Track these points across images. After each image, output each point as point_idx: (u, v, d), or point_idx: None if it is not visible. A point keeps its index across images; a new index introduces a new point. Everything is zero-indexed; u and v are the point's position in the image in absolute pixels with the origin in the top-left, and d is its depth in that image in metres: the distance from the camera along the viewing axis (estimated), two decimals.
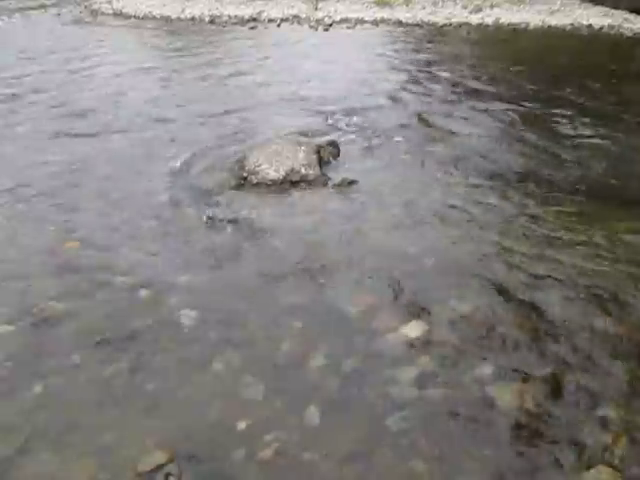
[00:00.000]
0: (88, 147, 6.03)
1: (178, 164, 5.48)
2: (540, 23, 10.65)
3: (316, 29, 11.28)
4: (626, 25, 10.20)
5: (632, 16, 10.40)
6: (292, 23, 11.75)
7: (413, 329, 3.33)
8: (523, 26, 10.62)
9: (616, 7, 10.83)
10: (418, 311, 3.47)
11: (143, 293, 3.70)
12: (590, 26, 10.43)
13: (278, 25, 11.60)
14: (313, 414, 2.84)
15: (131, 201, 4.85)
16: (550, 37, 10.01)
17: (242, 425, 2.80)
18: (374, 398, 2.92)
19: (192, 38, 10.77)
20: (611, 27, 10.28)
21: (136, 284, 3.77)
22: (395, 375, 3.04)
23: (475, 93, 7.25)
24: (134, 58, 9.21)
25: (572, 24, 10.55)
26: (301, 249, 4.11)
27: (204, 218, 4.54)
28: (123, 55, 9.38)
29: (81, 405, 2.94)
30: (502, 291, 3.61)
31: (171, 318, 3.48)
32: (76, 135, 6.36)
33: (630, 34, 9.85)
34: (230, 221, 4.49)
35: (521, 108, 6.64)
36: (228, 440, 2.73)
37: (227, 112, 6.82)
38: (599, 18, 10.63)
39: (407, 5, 12.15)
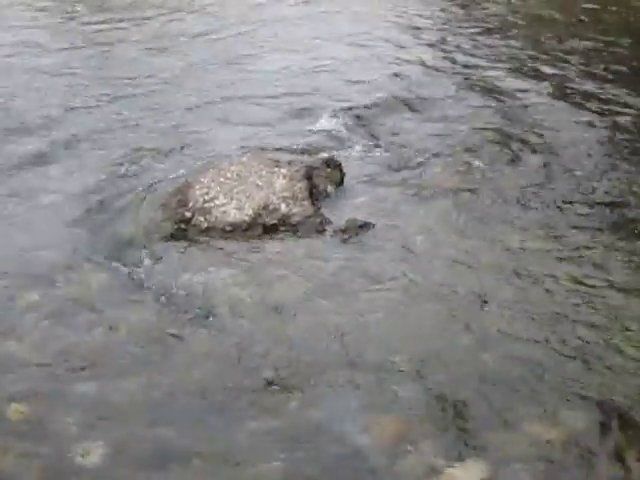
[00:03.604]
0: None
1: (81, 195, 5.44)
2: None
3: None
4: None
5: None
6: None
7: (469, 472, 3.27)
8: None
9: None
10: (474, 441, 3.43)
11: (15, 410, 3.62)
12: None
13: None
14: None
15: (5, 258, 4.81)
16: None
17: None
18: None
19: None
20: None
21: (4, 396, 3.69)
22: None
23: (536, 77, 7.43)
24: (25, 32, 9.33)
25: None
26: (279, 340, 4.07)
27: (119, 287, 4.50)
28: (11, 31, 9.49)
29: None
30: (605, 404, 3.59)
31: (63, 451, 3.38)
32: None
33: None
34: (161, 292, 4.43)
35: (605, 109, 6.77)
36: None
37: (163, 112, 6.84)
38: None
39: None
